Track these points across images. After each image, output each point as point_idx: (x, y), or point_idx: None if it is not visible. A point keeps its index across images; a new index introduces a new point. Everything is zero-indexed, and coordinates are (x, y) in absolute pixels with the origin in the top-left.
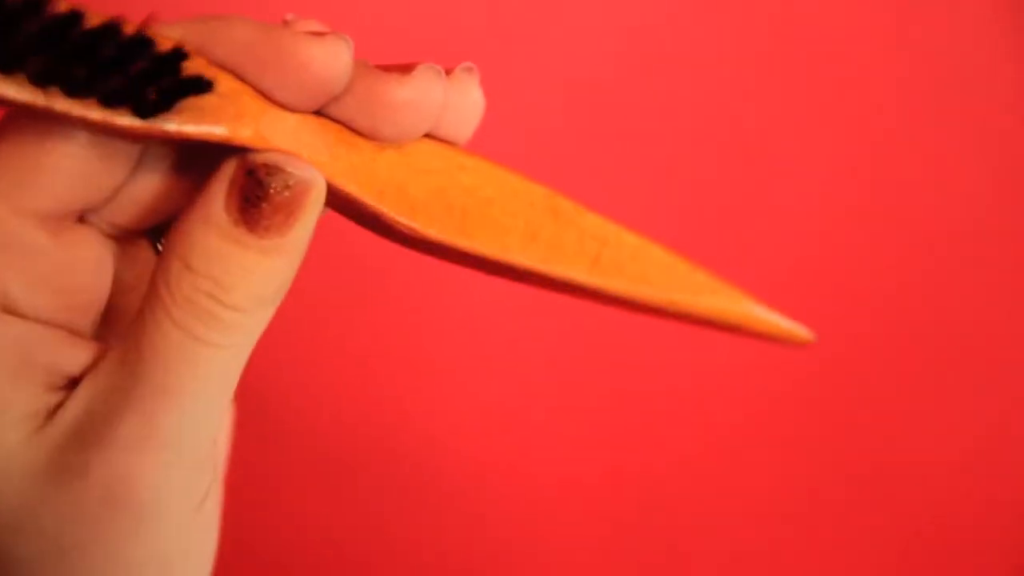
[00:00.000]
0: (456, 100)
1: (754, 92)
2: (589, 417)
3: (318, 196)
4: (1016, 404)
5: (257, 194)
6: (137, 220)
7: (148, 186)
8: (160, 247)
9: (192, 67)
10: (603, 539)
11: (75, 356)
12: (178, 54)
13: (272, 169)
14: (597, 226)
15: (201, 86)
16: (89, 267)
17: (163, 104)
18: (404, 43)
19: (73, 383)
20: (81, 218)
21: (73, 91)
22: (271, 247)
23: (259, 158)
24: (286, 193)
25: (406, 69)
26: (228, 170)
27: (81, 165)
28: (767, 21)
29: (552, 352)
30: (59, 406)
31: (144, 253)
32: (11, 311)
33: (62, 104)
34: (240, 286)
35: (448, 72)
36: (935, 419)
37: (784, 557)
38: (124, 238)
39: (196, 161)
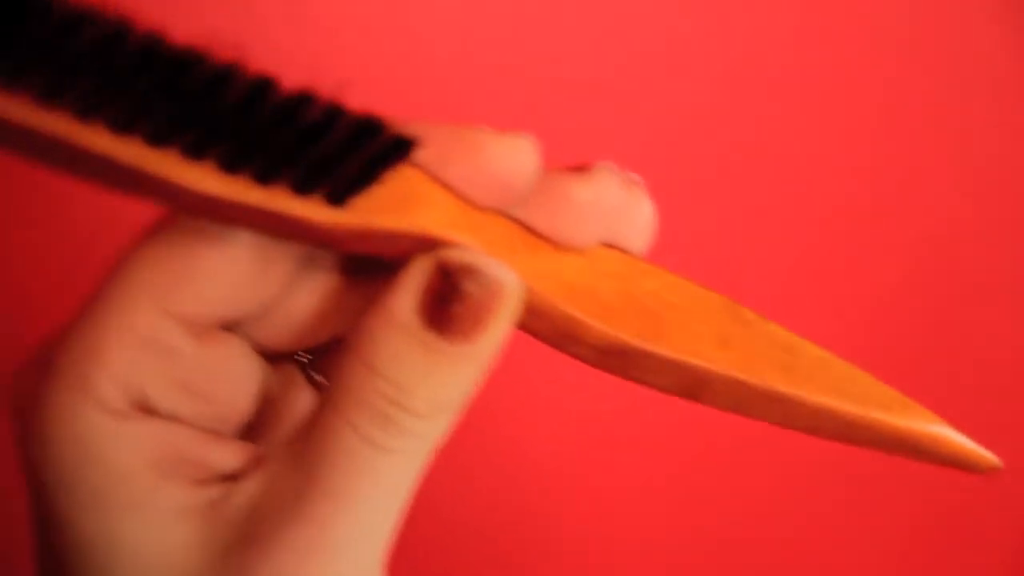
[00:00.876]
0: (630, 206)
1: (754, 92)
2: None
3: (514, 299)
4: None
5: (451, 296)
6: (284, 340)
7: (298, 305)
8: (312, 374)
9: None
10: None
11: (223, 454)
12: (373, 122)
13: (470, 270)
14: (782, 335)
15: (405, 146)
16: (233, 377)
17: (363, 178)
18: (406, 46)
19: (223, 480)
20: (228, 327)
21: (265, 176)
22: (460, 352)
23: (456, 258)
24: (482, 296)
25: (582, 168)
26: (420, 268)
27: (236, 273)
28: (766, 21)
29: None
30: (217, 503)
31: (293, 376)
32: (152, 412)
33: (254, 196)
34: (423, 391)
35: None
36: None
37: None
38: (272, 357)
39: (351, 285)
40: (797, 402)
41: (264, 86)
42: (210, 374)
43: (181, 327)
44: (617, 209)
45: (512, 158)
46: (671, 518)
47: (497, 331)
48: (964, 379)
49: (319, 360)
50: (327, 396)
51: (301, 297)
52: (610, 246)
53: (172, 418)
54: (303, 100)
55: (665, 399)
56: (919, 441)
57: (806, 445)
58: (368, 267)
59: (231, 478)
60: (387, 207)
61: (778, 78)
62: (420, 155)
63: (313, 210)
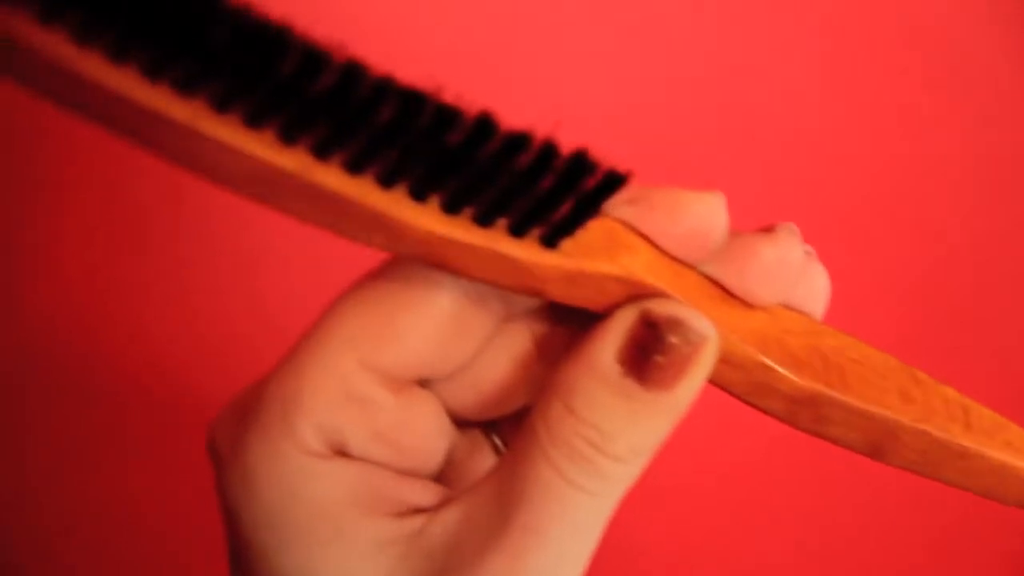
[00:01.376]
0: (809, 270)
1: (754, 93)
2: None
3: (713, 352)
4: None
5: (655, 347)
6: (474, 405)
7: (489, 372)
8: (498, 443)
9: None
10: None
11: (417, 491)
12: (586, 161)
13: (676, 323)
14: (954, 395)
15: (617, 181)
16: (425, 432)
17: (577, 218)
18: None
19: (419, 513)
20: (423, 385)
21: (484, 218)
22: (659, 401)
23: (662, 310)
24: (685, 349)
25: (768, 229)
26: (625, 318)
27: (436, 333)
28: (767, 21)
29: None
30: (415, 535)
31: (477, 441)
32: (350, 457)
33: (475, 236)
34: (622, 437)
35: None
36: None
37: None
38: (459, 421)
39: (540, 356)
40: (979, 457)
41: (485, 126)
42: (404, 426)
43: (380, 380)
44: (799, 271)
45: (709, 215)
46: (672, 524)
47: (695, 381)
48: (977, 376)
49: (502, 427)
50: (526, 434)
51: (493, 364)
52: (788, 307)
53: (367, 462)
54: (520, 140)
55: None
56: None
57: (807, 449)
58: (557, 340)
59: (426, 511)
60: (596, 252)
61: (792, 76)
62: (620, 209)
63: (529, 252)
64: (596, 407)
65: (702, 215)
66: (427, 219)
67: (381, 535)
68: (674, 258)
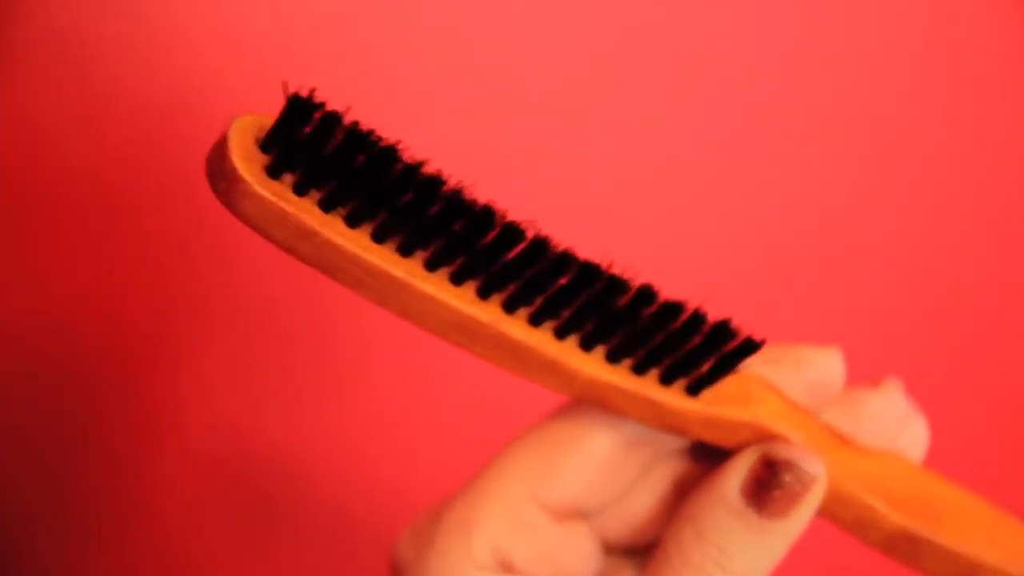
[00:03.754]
0: (911, 419)
1: (754, 92)
2: None
3: (822, 489)
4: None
5: (772, 483)
6: (620, 534)
7: (635, 507)
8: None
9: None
10: None
11: None
12: (728, 328)
13: (790, 465)
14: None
15: (754, 347)
16: (579, 555)
17: (716, 374)
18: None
19: None
20: (579, 515)
21: (640, 368)
22: (773, 528)
23: (781, 452)
24: (797, 486)
25: (877, 383)
26: (748, 458)
27: (594, 473)
28: (767, 22)
29: None
30: None
31: (622, 566)
32: (513, 572)
33: (631, 383)
34: (741, 557)
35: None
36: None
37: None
38: (608, 549)
39: (680, 488)
40: None
41: (646, 295)
42: (562, 550)
43: (544, 510)
44: (903, 419)
45: (827, 367)
46: None
47: (805, 513)
48: (967, 380)
49: (643, 553)
50: (661, 556)
51: (639, 501)
52: (893, 452)
53: None
54: (674, 308)
55: None
56: None
57: None
58: (694, 478)
59: None
60: (731, 400)
61: (779, 81)
62: (755, 364)
63: (674, 398)
64: (720, 530)
65: (821, 367)
66: (592, 367)
67: None
68: (798, 406)
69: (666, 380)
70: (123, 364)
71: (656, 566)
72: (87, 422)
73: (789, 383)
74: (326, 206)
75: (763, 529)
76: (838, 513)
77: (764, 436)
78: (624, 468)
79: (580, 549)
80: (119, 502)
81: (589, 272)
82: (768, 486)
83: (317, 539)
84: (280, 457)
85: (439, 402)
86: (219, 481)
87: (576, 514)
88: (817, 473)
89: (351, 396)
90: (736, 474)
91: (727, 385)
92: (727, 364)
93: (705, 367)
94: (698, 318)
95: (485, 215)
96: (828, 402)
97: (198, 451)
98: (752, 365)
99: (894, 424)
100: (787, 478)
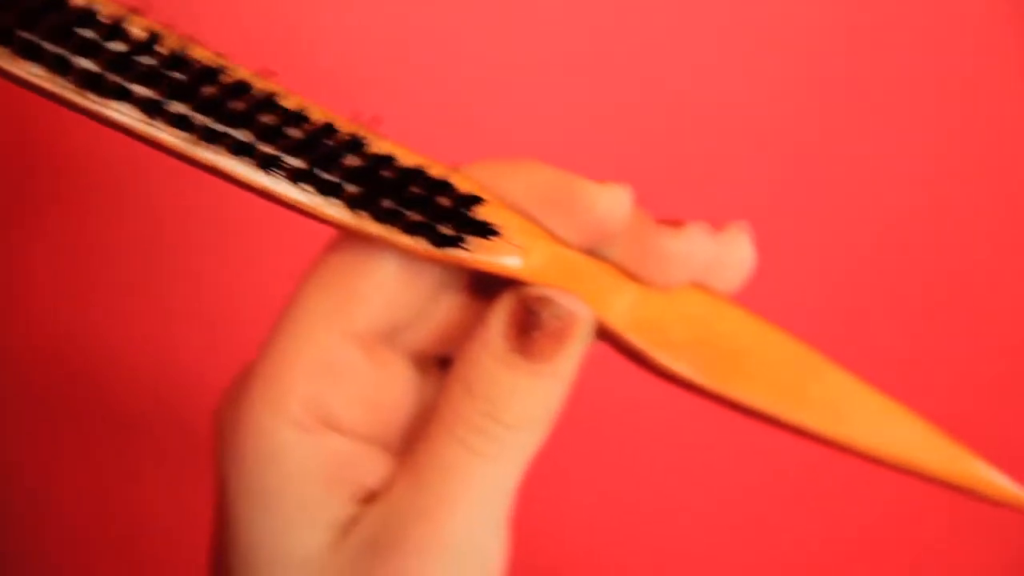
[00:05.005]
0: (725, 254)
1: (755, 93)
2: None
3: (585, 327)
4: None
5: (531, 324)
6: (434, 344)
7: (445, 312)
8: None
9: (485, 210)
10: None
11: (377, 472)
12: (473, 198)
13: (546, 302)
14: (845, 384)
15: (488, 231)
16: (398, 386)
17: (454, 240)
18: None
19: (371, 497)
20: (389, 343)
21: (380, 218)
22: (541, 371)
23: (535, 292)
24: (557, 324)
25: (678, 223)
26: (507, 302)
27: (392, 289)
28: (767, 22)
29: None
30: (358, 518)
31: (441, 380)
32: (332, 426)
33: (373, 228)
34: (512, 406)
35: (720, 227)
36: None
37: None
38: (425, 364)
39: (488, 290)
40: (839, 444)
41: (388, 159)
42: (380, 386)
43: (353, 344)
44: (706, 260)
45: (605, 205)
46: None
47: (572, 353)
48: (962, 378)
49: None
50: (434, 413)
51: (443, 308)
52: (699, 287)
53: (348, 431)
54: (418, 171)
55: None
56: (968, 485)
57: (806, 451)
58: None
59: (375, 495)
60: (490, 248)
61: (779, 78)
62: (520, 197)
63: (415, 243)
64: (489, 381)
65: (598, 206)
66: (335, 212)
67: (337, 514)
68: (572, 245)
69: (409, 232)
70: None
71: (432, 430)
72: None
73: (564, 225)
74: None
75: (531, 373)
76: (618, 349)
77: (529, 281)
78: (420, 281)
79: (398, 385)
80: None
81: (354, 143)
82: (529, 328)
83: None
84: (103, 346)
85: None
86: (45, 369)
87: (386, 340)
88: (577, 311)
89: (176, 284)
90: (497, 320)
91: (506, 226)
92: (460, 236)
93: (443, 232)
94: (444, 184)
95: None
96: (612, 239)
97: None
98: (529, 204)
99: (690, 264)
100: (547, 318)
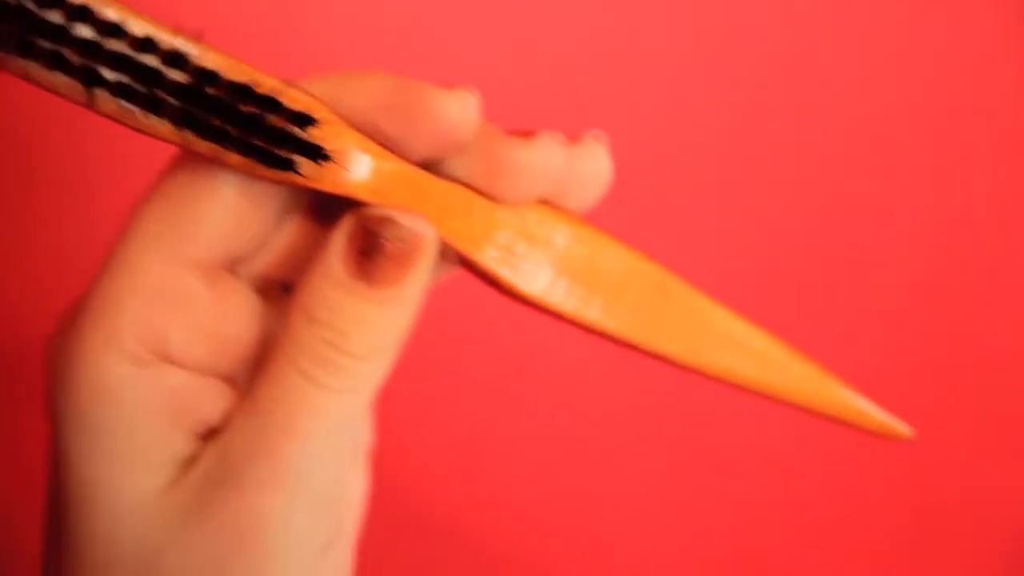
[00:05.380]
0: (580, 167)
1: (756, 93)
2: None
3: (430, 249)
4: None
5: (372, 247)
6: (281, 271)
7: (291, 236)
8: None
9: (321, 131)
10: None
11: (219, 407)
12: (305, 118)
13: (387, 222)
14: (703, 309)
15: (319, 154)
16: (241, 316)
17: (285, 162)
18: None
19: (212, 433)
20: (232, 270)
21: (207, 137)
22: (387, 298)
23: (374, 212)
24: (399, 245)
25: (529, 134)
26: (346, 225)
27: (231, 213)
28: (769, 22)
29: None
30: (198, 455)
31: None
32: (170, 359)
33: (203, 147)
34: (357, 335)
35: (575, 138)
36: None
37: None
38: (270, 292)
39: (335, 213)
40: (694, 369)
41: (214, 75)
42: (222, 316)
43: (192, 272)
44: (559, 173)
45: (451, 112)
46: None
47: (417, 276)
48: (963, 379)
49: None
50: (275, 343)
51: (291, 228)
52: (552, 205)
53: (188, 364)
54: (245, 88)
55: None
56: (826, 411)
57: (806, 450)
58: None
59: (216, 431)
60: (313, 169)
61: (779, 77)
62: (362, 109)
63: (254, 167)
64: (330, 309)
65: (442, 113)
66: (164, 129)
67: (176, 452)
68: (415, 157)
69: (243, 153)
70: None
71: (272, 360)
72: None
73: (408, 134)
74: None
75: (376, 300)
76: (470, 269)
77: (370, 202)
78: (262, 205)
79: (241, 314)
80: None
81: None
82: (371, 252)
83: None
84: None
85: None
86: None
87: (228, 266)
88: (422, 231)
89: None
90: (337, 244)
91: (345, 144)
92: (289, 157)
93: (273, 152)
94: (273, 102)
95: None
96: (458, 149)
97: None
98: (371, 115)
99: (541, 176)
100: (389, 240)
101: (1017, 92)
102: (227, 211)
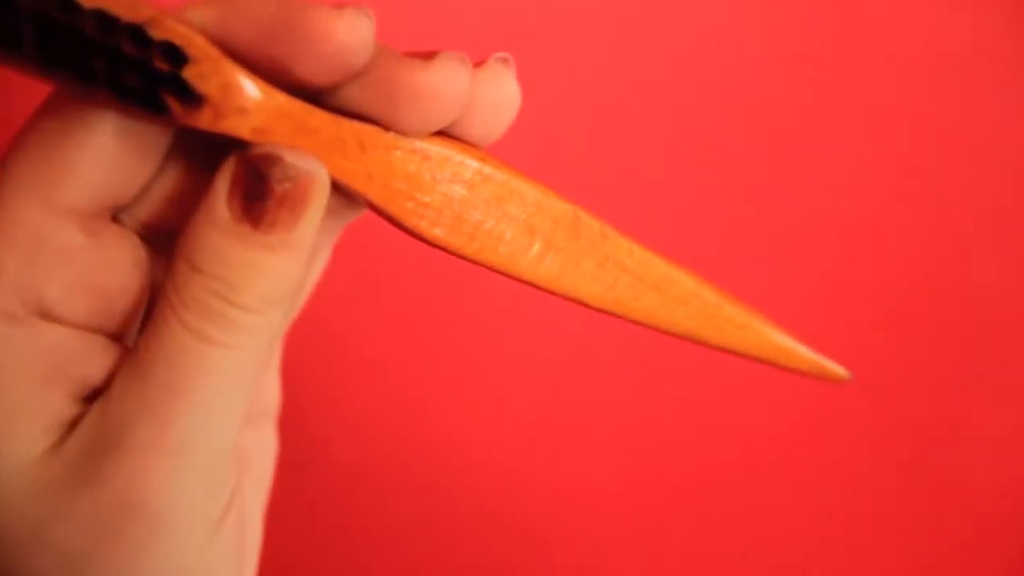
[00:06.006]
0: (485, 94)
1: (757, 94)
2: (611, 421)
3: (322, 188)
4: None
5: (259, 188)
6: (167, 218)
7: (177, 179)
8: None
9: (194, 68)
10: (623, 546)
11: (102, 366)
12: (176, 52)
13: (272, 160)
14: (622, 250)
15: (188, 93)
16: (125, 268)
17: (153, 101)
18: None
19: (96, 394)
20: (115, 219)
21: (69, 74)
22: (277, 243)
23: (259, 150)
24: (288, 186)
25: (429, 55)
26: (229, 166)
27: (111, 157)
28: (769, 23)
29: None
30: (79, 419)
31: None
32: (48, 316)
33: (68, 86)
34: (248, 285)
35: (481, 63)
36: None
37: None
38: (157, 241)
39: (224, 153)
40: (611, 314)
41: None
42: (104, 267)
43: (69, 221)
44: (464, 96)
45: (341, 34)
46: (660, 523)
47: (310, 219)
48: (962, 379)
49: None
50: (158, 298)
51: (176, 173)
52: (458, 139)
53: (69, 320)
54: (107, 18)
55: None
56: (758, 354)
57: (806, 449)
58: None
59: (99, 392)
60: (185, 108)
61: (783, 77)
62: (244, 35)
63: (124, 106)
64: (217, 258)
65: (329, 34)
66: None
67: (55, 416)
68: (303, 85)
69: (116, 93)
70: None
71: (157, 315)
72: None
73: (296, 61)
74: None
75: (264, 246)
76: (376, 212)
77: (255, 141)
78: (144, 149)
79: (124, 266)
80: None
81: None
82: (257, 194)
83: None
84: None
85: None
86: None
87: (108, 215)
88: (310, 168)
89: None
90: (220, 187)
91: (224, 76)
92: (159, 95)
93: (141, 89)
94: (138, 33)
95: None
96: (351, 75)
97: None
98: (254, 42)
99: (445, 100)
100: (276, 181)
101: (1017, 92)
102: (104, 153)
